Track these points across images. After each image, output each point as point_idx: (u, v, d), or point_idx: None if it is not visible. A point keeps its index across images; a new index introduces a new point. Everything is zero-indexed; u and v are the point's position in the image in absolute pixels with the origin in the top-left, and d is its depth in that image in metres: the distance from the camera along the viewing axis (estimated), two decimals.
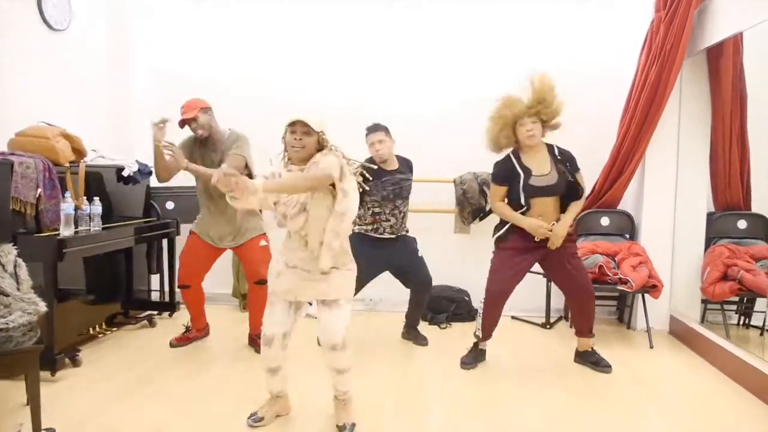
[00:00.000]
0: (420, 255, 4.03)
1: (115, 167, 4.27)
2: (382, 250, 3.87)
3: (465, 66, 4.96)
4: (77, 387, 3.25)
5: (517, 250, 3.53)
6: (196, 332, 4.08)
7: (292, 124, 2.47)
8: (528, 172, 3.46)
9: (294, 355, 2.72)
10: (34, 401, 2.53)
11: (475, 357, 3.73)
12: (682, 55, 4.13)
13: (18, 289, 2.73)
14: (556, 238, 3.44)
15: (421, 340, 4.14)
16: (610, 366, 3.61)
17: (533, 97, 3.41)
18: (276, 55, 5.14)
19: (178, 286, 3.92)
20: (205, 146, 3.69)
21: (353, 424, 2.72)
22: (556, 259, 3.53)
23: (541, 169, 3.47)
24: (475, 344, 3.76)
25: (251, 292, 3.83)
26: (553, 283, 4.04)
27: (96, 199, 3.76)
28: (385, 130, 3.85)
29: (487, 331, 3.68)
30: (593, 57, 4.80)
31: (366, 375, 3.46)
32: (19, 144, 3.57)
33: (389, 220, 3.88)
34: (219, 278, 4.74)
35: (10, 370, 2.64)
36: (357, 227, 3.90)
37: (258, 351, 3.71)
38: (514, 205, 3.50)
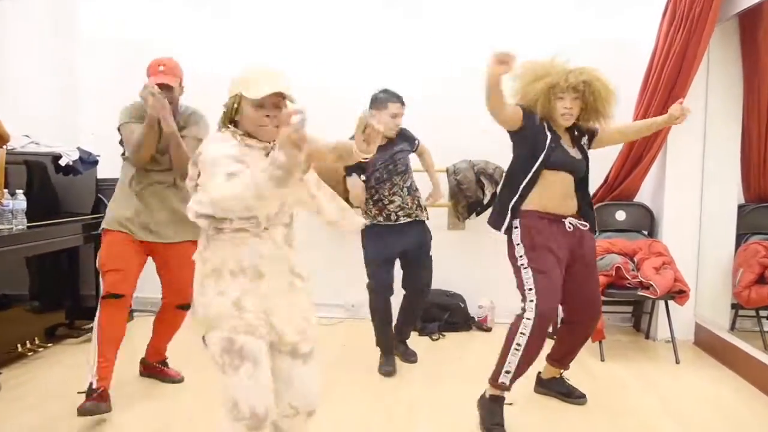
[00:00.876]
0: (430, 254, 3.59)
1: (51, 155, 3.73)
2: (394, 236, 3.45)
3: (459, 40, 4.45)
4: None
5: (546, 235, 2.65)
6: (102, 383, 2.74)
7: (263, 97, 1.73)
8: (569, 146, 2.76)
9: None
10: None
11: (499, 416, 2.67)
12: (713, 20, 3.64)
13: None
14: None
15: (409, 356, 3.62)
16: (584, 395, 2.99)
17: (583, 77, 2.67)
18: (248, 25, 4.57)
19: (106, 296, 2.78)
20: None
21: None
22: (583, 263, 2.77)
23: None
24: (495, 398, 2.68)
25: (168, 316, 3.07)
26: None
27: (19, 192, 3.22)
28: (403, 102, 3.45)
29: (524, 371, 2.66)
30: (605, 25, 4.24)
31: (339, 406, 2.89)
32: None
33: (394, 201, 3.44)
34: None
35: None
36: (366, 219, 3.44)
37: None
38: (520, 176, 2.71)
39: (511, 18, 4.39)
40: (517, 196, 2.68)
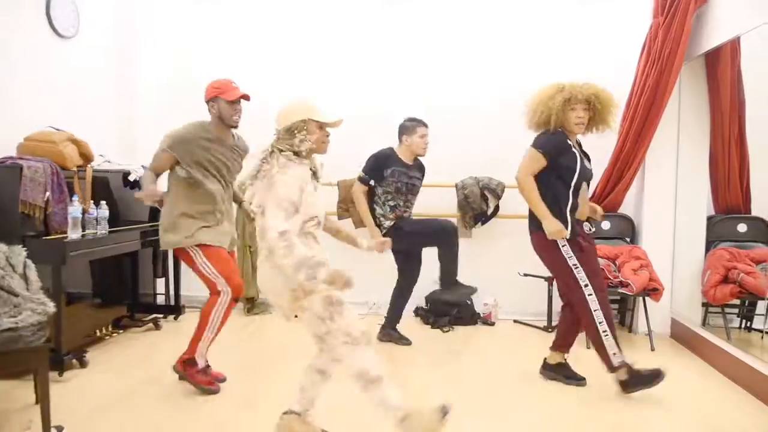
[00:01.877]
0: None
1: (121, 172, 4.33)
2: None
3: (465, 69, 4.98)
4: (84, 386, 3.29)
5: (581, 245, 3.25)
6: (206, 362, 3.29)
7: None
8: (583, 156, 3.29)
9: None
10: (43, 399, 2.58)
11: (649, 375, 3.21)
12: (681, 59, 4.17)
13: (27, 290, 2.78)
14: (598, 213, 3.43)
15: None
16: (584, 378, 3.43)
17: (592, 90, 3.22)
18: (288, 57, 5.12)
19: (238, 298, 3.20)
20: (221, 142, 3.26)
21: None
22: (590, 249, 3.34)
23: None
24: (629, 368, 3.21)
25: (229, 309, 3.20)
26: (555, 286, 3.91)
27: (103, 202, 3.79)
28: None
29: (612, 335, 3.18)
30: (592, 62, 4.73)
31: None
32: (27, 149, 3.64)
33: (407, 212, 4.14)
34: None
35: (19, 368, 2.69)
36: (387, 222, 4.07)
37: (196, 382, 3.19)
38: (561, 194, 3.21)
39: (517, 48, 4.89)
40: (569, 202, 3.19)
